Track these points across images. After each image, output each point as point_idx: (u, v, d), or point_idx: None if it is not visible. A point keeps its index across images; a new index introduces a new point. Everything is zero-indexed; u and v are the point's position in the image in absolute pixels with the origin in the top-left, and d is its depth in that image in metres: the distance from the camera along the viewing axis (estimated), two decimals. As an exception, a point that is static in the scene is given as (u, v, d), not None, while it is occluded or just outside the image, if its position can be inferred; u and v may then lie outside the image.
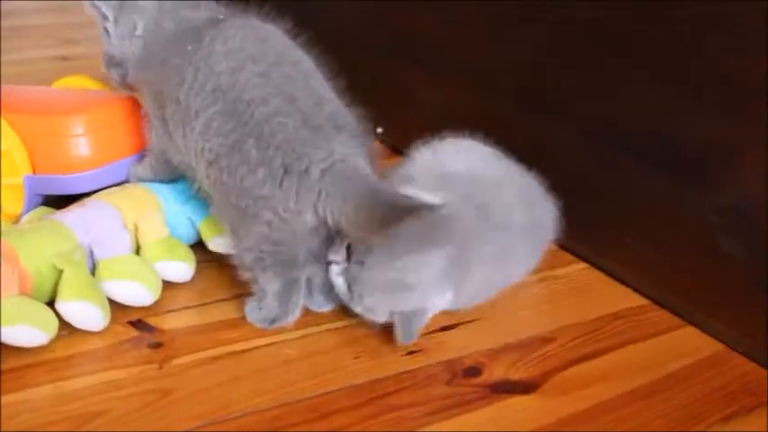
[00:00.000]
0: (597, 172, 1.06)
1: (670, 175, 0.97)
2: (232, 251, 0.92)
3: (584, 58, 1.06)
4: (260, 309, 0.92)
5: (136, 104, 1.06)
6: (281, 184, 0.86)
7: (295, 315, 0.92)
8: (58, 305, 0.87)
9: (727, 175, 0.92)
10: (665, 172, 0.98)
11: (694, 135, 0.94)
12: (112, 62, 1.03)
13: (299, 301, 0.92)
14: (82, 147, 1.03)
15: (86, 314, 0.87)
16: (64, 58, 1.75)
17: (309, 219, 0.87)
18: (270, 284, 0.91)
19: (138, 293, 0.92)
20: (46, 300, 0.89)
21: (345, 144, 0.88)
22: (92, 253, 0.93)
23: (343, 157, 0.87)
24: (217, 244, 1.01)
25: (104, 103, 1.08)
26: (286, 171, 0.86)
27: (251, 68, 0.91)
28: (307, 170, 0.86)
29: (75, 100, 1.11)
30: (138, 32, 1.00)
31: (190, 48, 0.94)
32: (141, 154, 1.06)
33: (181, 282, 0.98)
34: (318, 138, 0.88)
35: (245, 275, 0.92)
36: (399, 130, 1.40)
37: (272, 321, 0.92)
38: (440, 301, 0.91)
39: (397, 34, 1.39)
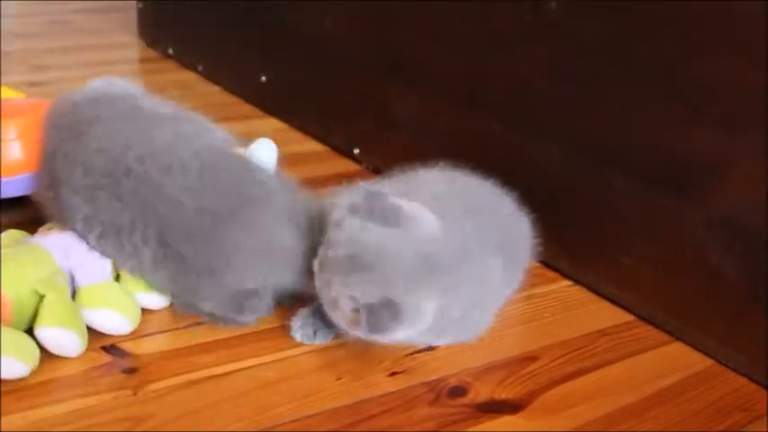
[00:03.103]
0: (583, 187, 1.04)
1: (658, 188, 0.96)
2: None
3: (571, 72, 1.04)
4: None
5: None
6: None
7: None
8: (37, 331, 0.85)
9: (718, 188, 0.90)
10: (653, 185, 0.96)
11: (683, 148, 0.93)
12: None
13: None
14: (15, 151, 1.06)
15: (65, 341, 0.85)
16: (33, 84, 1.73)
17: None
18: None
19: (117, 323, 0.90)
20: (25, 326, 0.86)
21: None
22: (72, 278, 0.91)
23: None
24: None
25: (36, 108, 1.09)
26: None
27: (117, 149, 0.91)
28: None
29: (7, 106, 1.12)
30: None
31: None
32: None
33: (158, 308, 0.96)
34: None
35: None
36: (379, 150, 1.38)
37: None
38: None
39: (378, 51, 1.38)
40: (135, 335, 0.91)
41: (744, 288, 0.88)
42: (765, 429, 0.82)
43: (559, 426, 0.81)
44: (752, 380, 0.89)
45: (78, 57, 2.04)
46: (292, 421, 0.79)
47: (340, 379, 0.86)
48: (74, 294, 0.91)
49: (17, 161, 1.06)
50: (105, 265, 0.93)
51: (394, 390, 0.85)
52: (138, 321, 0.91)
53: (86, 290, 0.91)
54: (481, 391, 0.85)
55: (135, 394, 0.82)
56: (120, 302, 0.91)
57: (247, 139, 1.30)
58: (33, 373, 0.83)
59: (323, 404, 0.82)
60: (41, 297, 0.87)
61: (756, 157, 0.86)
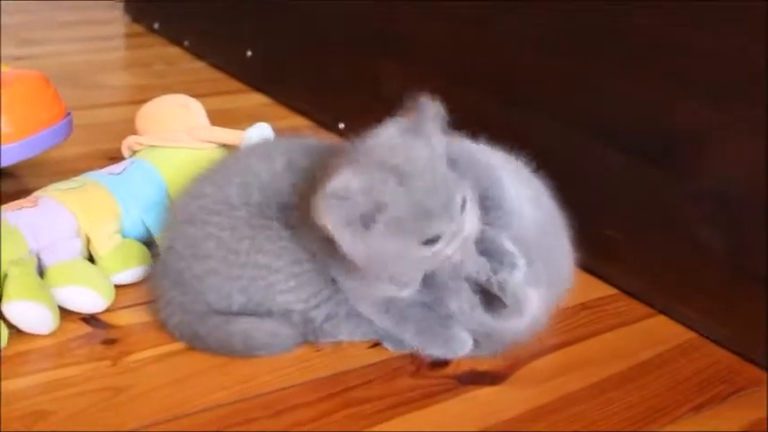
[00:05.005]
0: (567, 159, 1.03)
1: (644, 160, 0.95)
2: None
3: (557, 45, 1.04)
4: None
5: (46, 80, 1.14)
6: None
7: None
8: (3, 306, 0.84)
9: (705, 160, 0.90)
10: (639, 158, 0.96)
11: (669, 121, 0.93)
12: None
13: None
14: None
15: (34, 315, 0.84)
16: (19, 58, 1.71)
17: None
18: None
19: (89, 299, 0.89)
20: None
21: None
22: (39, 258, 0.90)
23: None
24: None
25: (17, 79, 1.11)
26: None
27: None
28: None
29: None
30: None
31: None
32: (56, 126, 1.12)
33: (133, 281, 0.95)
34: None
35: None
36: (366, 125, 1.37)
37: None
38: None
39: (366, 25, 1.37)
40: (114, 306, 0.90)
41: (728, 261, 0.88)
42: (746, 401, 0.82)
43: (540, 396, 0.81)
44: (734, 352, 0.89)
45: (64, 32, 2.03)
46: (274, 391, 0.79)
47: (320, 350, 0.85)
48: (42, 275, 0.89)
49: (1, 133, 1.05)
50: (73, 245, 0.92)
51: (375, 361, 0.85)
52: (111, 298, 0.90)
53: (54, 268, 0.89)
54: (462, 363, 0.85)
55: (114, 365, 0.82)
56: (90, 279, 0.89)
57: (235, 115, 1.29)
58: (11, 343, 0.82)
59: (302, 376, 0.82)
60: (5, 275, 0.86)
61: (743, 130, 0.85)
